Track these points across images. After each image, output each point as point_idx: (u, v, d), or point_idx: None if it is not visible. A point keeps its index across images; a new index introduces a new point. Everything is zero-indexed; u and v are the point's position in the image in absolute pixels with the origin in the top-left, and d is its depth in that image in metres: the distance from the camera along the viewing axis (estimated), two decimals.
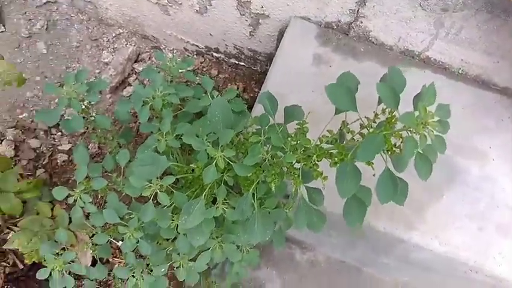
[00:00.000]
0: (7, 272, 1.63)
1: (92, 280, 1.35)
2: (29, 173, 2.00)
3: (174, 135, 1.13)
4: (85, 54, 2.08)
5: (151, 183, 0.97)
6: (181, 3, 1.77)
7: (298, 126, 0.95)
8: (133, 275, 1.23)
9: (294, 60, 1.57)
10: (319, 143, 0.91)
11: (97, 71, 2.06)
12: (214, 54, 2.01)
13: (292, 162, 0.90)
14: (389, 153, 0.82)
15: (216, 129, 0.95)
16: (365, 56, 1.59)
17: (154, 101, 1.23)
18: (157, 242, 1.27)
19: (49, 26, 2.09)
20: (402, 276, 1.64)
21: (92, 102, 1.86)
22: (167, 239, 1.16)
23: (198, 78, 2.05)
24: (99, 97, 1.99)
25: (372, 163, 0.86)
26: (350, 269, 1.71)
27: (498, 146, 1.49)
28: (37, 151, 2.00)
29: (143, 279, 1.22)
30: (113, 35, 2.10)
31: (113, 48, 2.08)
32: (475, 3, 1.34)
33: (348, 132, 0.91)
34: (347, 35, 1.63)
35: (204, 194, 0.94)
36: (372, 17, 1.53)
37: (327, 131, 0.93)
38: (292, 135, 0.93)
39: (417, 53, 1.58)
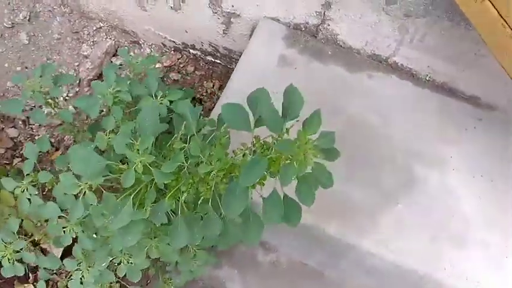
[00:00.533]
0: None
1: (46, 269, 1.38)
2: (7, 162, 2.03)
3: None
4: (65, 47, 2.10)
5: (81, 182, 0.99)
6: None
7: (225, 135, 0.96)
8: (78, 268, 1.25)
9: (259, 60, 1.57)
10: (234, 156, 0.91)
11: (76, 63, 2.08)
12: (191, 51, 2.02)
13: (208, 173, 0.90)
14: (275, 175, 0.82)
15: (144, 134, 0.96)
16: (331, 58, 1.58)
17: (106, 97, 1.24)
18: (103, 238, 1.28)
19: (32, 17, 2.11)
20: (362, 283, 1.63)
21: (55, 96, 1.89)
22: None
23: (173, 74, 2.06)
24: (71, 88, 2.02)
25: (263, 183, 0.86)
26: (312, 272, 1.70)
27: (460, 155, 1.47)
28: (15, 140, 2.03)
29: (88, 272, 1.24)
30: (94, 28, 2.12)
31: (92, 42, 2.09)
32: (435, 10, 1.32)
33: (260, 149, 0.90)
34: (315, 37, 1.62)
35: (132, 196, 0.94)
36: (338, 20, 1.52)
37: (241, 144, 0.93)
38: (213, 145, 0.94)
39: (384, 58, 1.57)
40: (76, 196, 1.04)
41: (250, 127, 0.80)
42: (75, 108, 2.03)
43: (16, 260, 1.29)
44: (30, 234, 1.56)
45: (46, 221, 1.38)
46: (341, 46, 1.60)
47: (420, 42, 1.45)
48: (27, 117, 2.06)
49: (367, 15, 1.45)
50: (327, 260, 1.61)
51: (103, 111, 2.07)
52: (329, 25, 1.55)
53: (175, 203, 0.95)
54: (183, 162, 0.93)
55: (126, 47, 1.98)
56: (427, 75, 1.56)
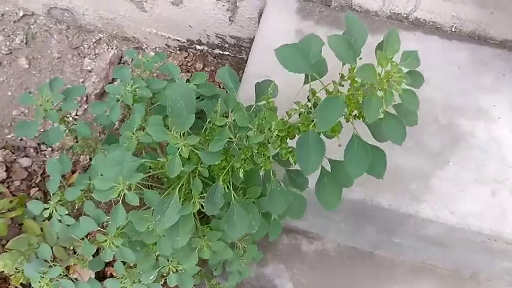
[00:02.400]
0: None
1: None
2: (23, 194, 1.95)
3: (146, 131, 1.05)
4: (67, 64, 2.02)
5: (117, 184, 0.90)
6: None
7: (265, 102, 0.87)
8: (124, 286, 1.16)
9: (275, 39, 1.48)
10: (287, 118, 0.82)
11: (81, 80, 2.00)
12: (197, 47, 1.93)
13: (261, 143, 0.81)
14: (360, 119, 0.73)
15: (180, 117, 0.87)
16: None
17: (125, 96, 1.15)
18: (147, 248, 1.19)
19: (28, 39, 2.04)
20: (418, 255, 1.53)
21: (70, 111, 1.81)
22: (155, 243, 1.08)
23: (182, 75, 1.98)
24: (79, 105, 1.94)
25: (339, 132, 0.76)
26: (361, 254, 1.61)
27: (502, 102, 1.38)
28: (29, 170, 1.95)
29: None
30: (94, 40, 2.04)
31: (94, 55, 2.02)
32: None
33: (316, 103, 0.81)
34: (329, 6, 1.53)
35: (177, 190, 0.85)
36: None
37: (295, 102, 0.84)
38: (260, 114, 0.85)
39: (404, 16, 1.48)
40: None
41: (312, 69, 0.71)
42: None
43: None
44: (60, 261, 1.48)
45: (78, 243, 1.29)
46: (358, 11, 1.52)
47: None
48: (39, 144, 1.98)
49: None
50: (378, 237, 1.52)
51: (115, 124, 2.00)
52: None
53: (227, 188, 0.86)
54: (231, 138, 0.84)
55: (129, 49, 1.90)
56: (453, 25, 1.46)
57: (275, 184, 0.85)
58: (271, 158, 0.84)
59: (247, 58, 1.93)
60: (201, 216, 1.14)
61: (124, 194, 0.90)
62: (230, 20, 1.72)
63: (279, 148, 0.80)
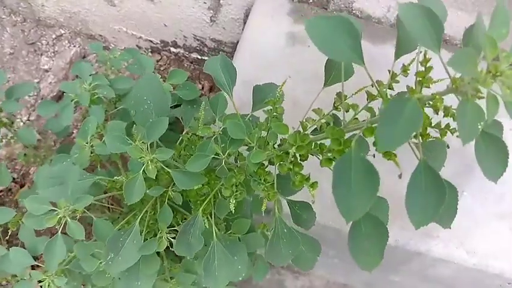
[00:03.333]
0: None
1: None
2: None
3: (103, 139, 0.82)
4: (20, 62, 1.76)
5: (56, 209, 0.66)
6: None
7: (270, 108, 0.65)
8: None
9: (263, 42, 1.29)
10: (301, 130, 0.61)
11: (36, 80, 1.74)
12: (172, 49, 1.71)
13: (261, 164, 0.59)
14: (418, 138, 0.52)
15: (147, 121, 0.65)
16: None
17: (80, 95, 0.92)
18: None
19: None
20: None
21: (18, 114, 1.56)
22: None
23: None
24: (32, 109, 1.68)
25: (396, 155, 0.56)
26: None
27: None
28: None
29: None
30: (54, 36, 1.79)
31: (53, 52, 1.76)
32: None
33: (347, 111, 0.60)
34: (326, 9, 1.35)
35: (138, 219, 0.62)
36: None
37: (313, 110, 0.63)
38: (261, 123, 0.63)
39: None
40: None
41: (362, 57, 0.50)
42: (39, 133, 1.70)
43: None
44: None
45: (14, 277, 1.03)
46: (358, 16, 1.34)
47: None
48: None
49: None
50: (375, 275, 1.31)
51: (72, 133, 1.75)
52: None
53: (207, 222, 0.63)
54: (218, 154, 0.62)
55: (93, 43, 1.66)
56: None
57: (281, 224, 0.63)
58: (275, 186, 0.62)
59: None
60: (167, 251, 0.91)
61: (66, 223, 0.66)
62: (211, 21, 1.52)
63: (291, 172, 0.59)
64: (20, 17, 1.80)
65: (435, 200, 0.49)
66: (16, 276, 0.94)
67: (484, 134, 0.47)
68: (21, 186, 1.71)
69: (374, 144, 0.56)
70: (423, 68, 0.55)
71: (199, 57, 1.72)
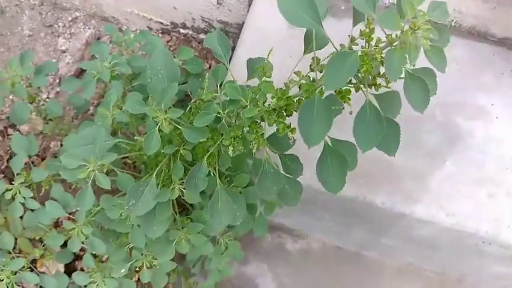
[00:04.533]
0: None
1: None
2: None
3: (123, 109, 0.94)
4: (39, 43, 1.88)
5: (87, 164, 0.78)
6: None
7: (260, 74, 0.77)
8: (93, 281, 1.05)
9: (267, 23, 1.39)
10: (285, 88, 0.73)
11: (54, 60, 1.86)
12: (181, 30, 1.82)
13: (254, 119, 0.72)
14: (372, 87, 0.64)
15: (161, 88, 0.77)
16: (346, 14, 1.41)
17: (101, 72, 1.04)
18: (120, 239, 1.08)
19: None
20: (406, 257, 1.47)
21: (41, 91, 1.67)
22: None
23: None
24: (51, 87, 1.80)
25: (349, 98, 0.68)
26: (347, 254, 1.53)
27: (501, 102, 1.32)
28: None
29: (105, 284, 1.03)
30: (70, 19, 1.90)
31: (69, 34, 1.88)
32: None
33: (321, 71, 0.72)
34: None
35: (155, 173, 0.75)
36: None
37: (294, 73, 0.75)
38: (254, 87, 0.75)
39: None
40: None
41: (320, 22, 0.62)
42: None
43: (15, 283, 1.08)
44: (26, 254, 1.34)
45: (45, 234, 1.17)
46: None
47: None
48: (5, 127, 1.84)
49: None
50: (366, 237, 1.45)
51: (89, 109, 1.87)
52: None
53: (213, 172, 0.76)
54: (219, 112, 0.74)
55: (108, 25, 1.78)
56: (453, 20, 1.40)
57: (268, 165, 0.76)
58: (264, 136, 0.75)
59: (235, 45, 1.83)
60: (180, 210, 1.03)
61: (95, 176, 0.79)
62: (218, 3, 1.62)
63: (275, 123, 0.71)
64: (37, 1, 1.91)
65: (376, 130, 0.61)
66: (48, 232, 1.08)
67: (412, 76, 0.60)
68: (43, 159, 1.85)
69: None
70: (368, 30, 0.67)
71: None
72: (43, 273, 1.60)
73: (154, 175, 0.76)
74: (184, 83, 1.18)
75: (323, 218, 1.40)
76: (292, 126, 0.73)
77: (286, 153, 0.82)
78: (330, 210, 1.32)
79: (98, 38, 1.89)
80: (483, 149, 1.26)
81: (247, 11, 1.61)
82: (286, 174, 0.80)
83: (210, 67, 1.85)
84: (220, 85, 0.83)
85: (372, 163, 1.11)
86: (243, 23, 1.68)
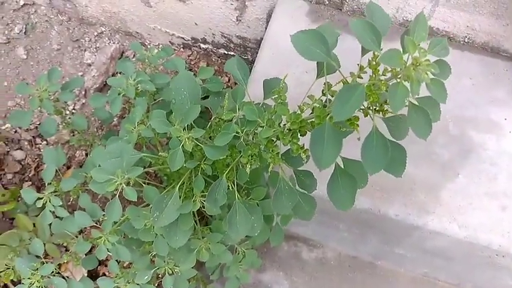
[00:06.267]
0: None
1: None
2: (16, 187, 1.88)
3: (148, 124, 1.01)
4: (66, 57, 1.97)
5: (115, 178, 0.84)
6: None
7: (275, 96, 0.82)
8: (117, 286, 1.10)
9: (284, 40, 1.44)
10: (299, 112, 0.78)
11: (80, 73, 1.95)
12: (202, 45, 1.89)
13: (270, 139, 0.77)
14: (380, 112, 0.69)
15: (184, 108, 0.83)
16: None
17: (127, 89, 1.10)
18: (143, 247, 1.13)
19: (28, 29, 1.99)
20: (421, 267, 1.49)
21: (67, 104, 1.75)
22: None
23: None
24: (77, 99, 1.89)
25: (357, 125, 0.73)
26: (362, 264, 1.56)
27: None
28: (22, 163, 1.89)
29: None
30: (95, 34, 1.99)
31: (95, 48, 1.97)
32: None
33: (332, 96, 0.77)
34: (341, 10, 1.50)
35: (178, 187, 0.81)
36: None
37: (308, 97, 0.80)
38: (270, 108, 0.81)
39: None
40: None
41: (330, 56, 0.67)
42: None
43: (45, 287, 1.14)
44: (52, 259, 1.41)
45: (72, 240, 1.23)
46: None
47: (459, 0, 1.33)
48: (34, 137, 1.93)
49: None
50: (381, 248, 1.48)
51: (113, 120, 1.94)
52: None
53: (231, 186, 0.81)
54: (238, 132, 0.80)
55: (134, 42, 1.85)
56: (466, 36, 1.43)
57: (283, 182, 0.81)
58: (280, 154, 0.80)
59: (253, 59, 1.90)
60: (199, 218, 1.09)
61: (122, 189, 0.85)
62: (238, 20, 1.68)
63: (289, 143, 0.76)
64: (65, 17, 2.00)
65: (382, 154, 0.66)
66: (75, 237, 1.15)
67: (415, 106, 0.64)
68: (68, 167, 1.93)
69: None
70: (374, 63, 0.71)
71: (226, 52, 1.89)
72: (68, 277, 1.68)
73: (177, 188, 0.81)
74: (204, 97, 1.24)
75: (338, 228, 1.43)
76: (305, 147, 0.78)
77: (300, 169, 0.87)
78: (345, 221, 1.36)
79: (123, 52, 1.98)
80: (495, 162, 1.29)
81: (265, 27, 1.67)
82: (301, 190, 0.85)
83: (229, 80, 1.91)
84: (239, 106, 0.89)
85: (385, 176, 1.15)
86: (261, 38, 1.74)
